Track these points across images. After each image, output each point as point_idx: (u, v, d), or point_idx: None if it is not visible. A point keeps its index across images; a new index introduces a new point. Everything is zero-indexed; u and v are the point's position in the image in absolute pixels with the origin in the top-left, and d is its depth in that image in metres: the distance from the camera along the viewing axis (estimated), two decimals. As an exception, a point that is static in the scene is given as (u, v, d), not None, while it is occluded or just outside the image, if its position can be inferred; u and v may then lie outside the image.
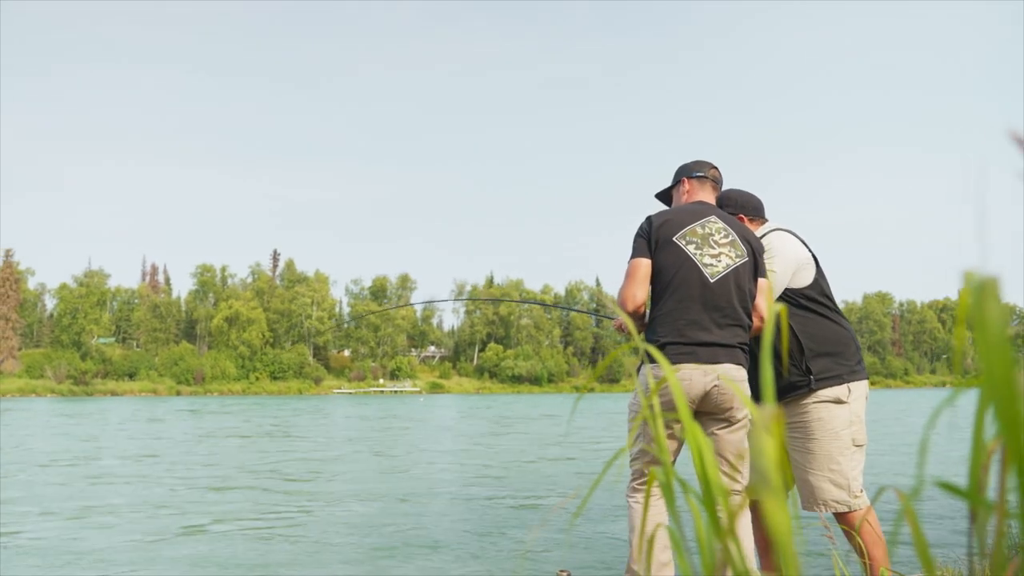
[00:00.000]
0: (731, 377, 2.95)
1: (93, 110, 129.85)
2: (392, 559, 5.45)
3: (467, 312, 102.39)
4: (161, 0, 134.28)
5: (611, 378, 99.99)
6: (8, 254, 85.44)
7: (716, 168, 3.33)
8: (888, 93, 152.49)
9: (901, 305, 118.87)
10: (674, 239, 3.02)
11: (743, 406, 2.98)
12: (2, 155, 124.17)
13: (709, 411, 2.97)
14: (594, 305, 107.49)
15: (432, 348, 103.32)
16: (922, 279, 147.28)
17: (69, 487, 9.51)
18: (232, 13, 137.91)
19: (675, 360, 2.89)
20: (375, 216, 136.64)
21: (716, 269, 3.00)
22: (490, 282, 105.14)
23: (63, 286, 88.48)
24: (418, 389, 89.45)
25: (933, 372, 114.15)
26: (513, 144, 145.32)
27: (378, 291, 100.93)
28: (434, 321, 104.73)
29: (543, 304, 5.18)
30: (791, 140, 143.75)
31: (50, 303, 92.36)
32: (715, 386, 2.91)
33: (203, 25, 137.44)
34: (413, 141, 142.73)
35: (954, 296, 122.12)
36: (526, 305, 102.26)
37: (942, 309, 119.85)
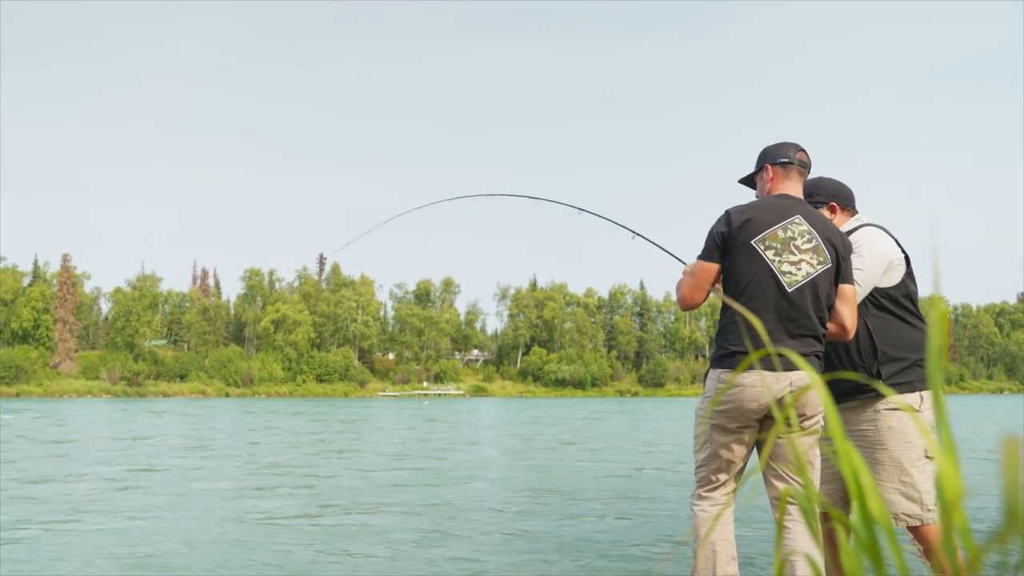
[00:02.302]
0: (804, 384, 2.84)
1: (143, 116, 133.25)
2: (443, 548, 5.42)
3: (511, 316, 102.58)
4: (208, 6, 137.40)
5: (655, 382, 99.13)
6: (65, 259, 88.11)
7: (804, 151, 3.08)
8: (935, 95, 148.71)
9: (956, 309, 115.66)
10: (753, 243, 2.87)
11: (814, 413, 2.88)
12: (58, 162, 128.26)
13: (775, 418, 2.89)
14: (638, 309, 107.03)
15: (476, 351, 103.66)
16: (979, 283, 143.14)
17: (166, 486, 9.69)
18: (281, 14, 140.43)
19: (746, 367, 2.80)
20: (420, 219, 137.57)
21: (795, 278, 2.86)
22: (533, 285, 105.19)
23: (117, 290, 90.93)
24: (462, 392, 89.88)
25: (990, 378, 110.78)
26: (555, 145, 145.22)
27: (422, 294, 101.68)
28: (477, 324, 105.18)
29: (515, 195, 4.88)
30: (819, 138, 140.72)
31: (105, 306, 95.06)
32: (789, 393, 2.81)
33: (252, 26, 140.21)
34: (455, 143, 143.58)
35: (1012, 300, 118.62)
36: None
37: (999, 313, 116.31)
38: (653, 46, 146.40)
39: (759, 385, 2.80)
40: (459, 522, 7.05)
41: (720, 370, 2.90)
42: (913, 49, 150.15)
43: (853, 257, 3.07)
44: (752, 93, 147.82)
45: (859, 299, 3.09)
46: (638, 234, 4.15)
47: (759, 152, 3.15)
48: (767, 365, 2.81)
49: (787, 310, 2.84)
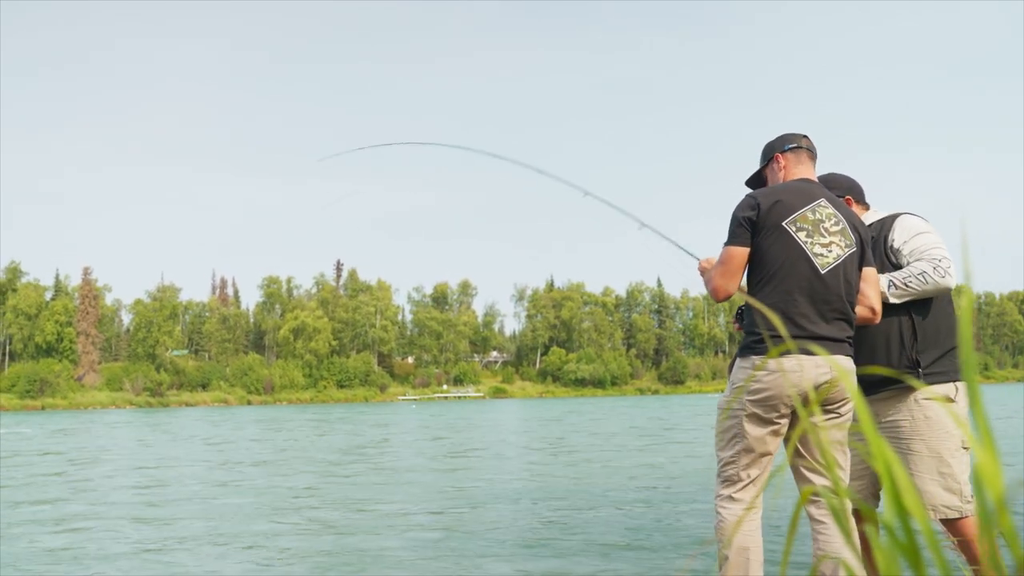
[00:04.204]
0: (842, 369, 2.73)
1: (159, 128, 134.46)
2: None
3: (528, 316, 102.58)
4: (221, 10, 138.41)
5: (675, 379, 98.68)
6: (87, 272, 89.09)
7: (807, 137, 3.07)
8: (936, 91, 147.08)
9: (979, 297, 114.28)
10: (784, 224, 2.78)
11: (851, 400, 2.78)
12: (76, 176, 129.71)
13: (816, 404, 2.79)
14: (656, 306, 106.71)
15: (495, 353, 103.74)
16: (1001, 270, 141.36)
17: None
18: (292, 22, 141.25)
19: (782, 353, 2.69)
20: (436, 223, 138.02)
21: (827, 260, 2.78)
22: (550, 285, 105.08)
23: (138, 301, 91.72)
24: (481, 394, 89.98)
25: (1015, 367, 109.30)
26: (569, 145, 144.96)
27: (439, 297, 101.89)
28: (496, 326, 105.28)
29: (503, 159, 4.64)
30: (830, 132, 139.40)
31: (126, 318, 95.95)
32: (827, 380, 2.71)
33: (263, 34, 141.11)
34: (462, 144, 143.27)
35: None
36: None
37: (1023, 301, 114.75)
38: (653, 46, 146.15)
39: (799, 369, 2.68)
40: (476, 524, 7.00)
41: (754, 356, 2.77)
42: (912, 47, 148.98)
43: (926, 237, 3.05)
44: (752, 93, 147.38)
45: (955, 277, 3.00)
46: (645, 224, 4.02)
47: (762, 148, 3.11)
48: (803, 350, 2.66)
49: (821, 292, 2.76)
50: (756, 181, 3.19)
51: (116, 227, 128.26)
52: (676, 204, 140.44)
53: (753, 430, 2.76)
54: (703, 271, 3.13)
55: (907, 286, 2.99)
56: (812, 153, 3.04)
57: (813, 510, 2.78)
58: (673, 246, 3.78)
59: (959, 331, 0.56)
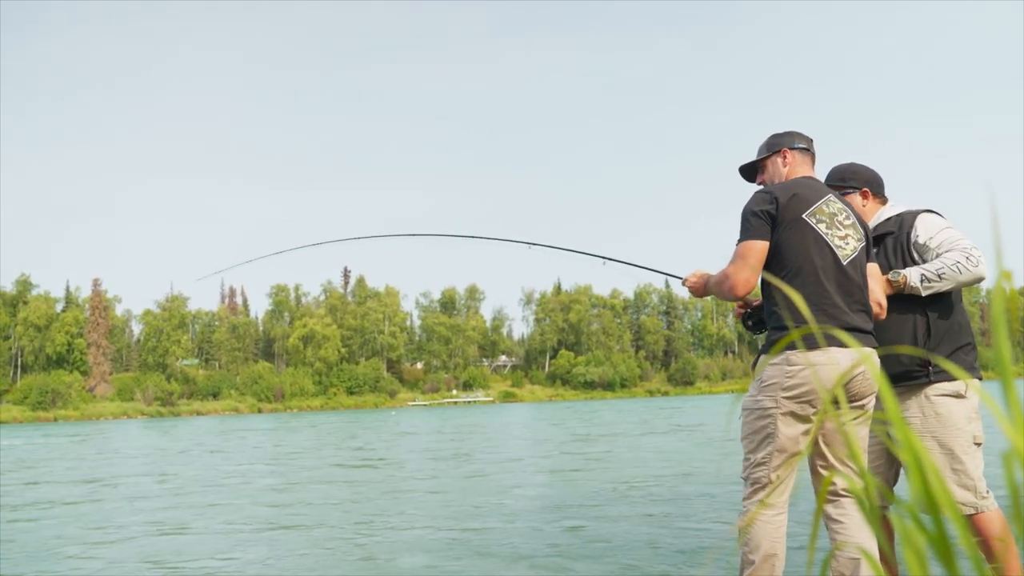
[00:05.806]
0: (872, 361, 2.69)
1: (164, 137, 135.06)
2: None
3: (537, 320, 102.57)
4: (226, 20, 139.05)
5: (685, 380, 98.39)
6: (96, 283, 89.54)
7: (812, 141, 3.10)
8: (936, 85, 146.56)
9: (990, 292, 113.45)
10: (804, 217, 2.78)
11: (871, 393, 2.77)
12: (85, 188, 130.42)
13: (846, 399, 2.74)
14: (664, 308, 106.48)
15: (503, 357, 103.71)
16: (1014, 264, 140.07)
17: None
18: (296, 30, 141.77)
19: (814, 346, 2.65)
20: (442, 227, 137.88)
21: (846, 252, 2.80)
22: (558, 288, 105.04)
23: (147, 311, 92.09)
24: (491, 398, 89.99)
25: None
26: (576, 147, 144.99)
27: (447, 302, 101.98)
28: (504, 330, 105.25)
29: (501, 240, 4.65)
30: (830, 132, 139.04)
31: (136, 328, 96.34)
32: (860, 373, 2.68)
33: (266, 42, 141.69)
34: (475, 151, 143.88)
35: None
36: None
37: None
38: (656, 46, 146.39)
39: (836, 363, 2.63)
40: (486, 527, 7.04)
41: (788, 351, 2.69)
42: (912, 47, 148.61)
43: (951, 231, 3.08)
44: (752, 93, 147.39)
45: (982, 272, 3.01)
46: (609, 259, 3.89)
47: (767, 139, 3.11)
48: (834, 343, 2.61)
49: (844, 284, 2.77)
50: (750, 171, 3.18)
51: (124, 238, 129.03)
52: (676, 204, 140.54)
53: (788, 429, 2.69)
54: (694, 286, 3.07)
55: (941, 277, 2.98)
56: (814, 158, 3.09)
57: (831, 509, 2.76)
58: (648, 271, 3.77)
59: (992, 321, 0.54)
